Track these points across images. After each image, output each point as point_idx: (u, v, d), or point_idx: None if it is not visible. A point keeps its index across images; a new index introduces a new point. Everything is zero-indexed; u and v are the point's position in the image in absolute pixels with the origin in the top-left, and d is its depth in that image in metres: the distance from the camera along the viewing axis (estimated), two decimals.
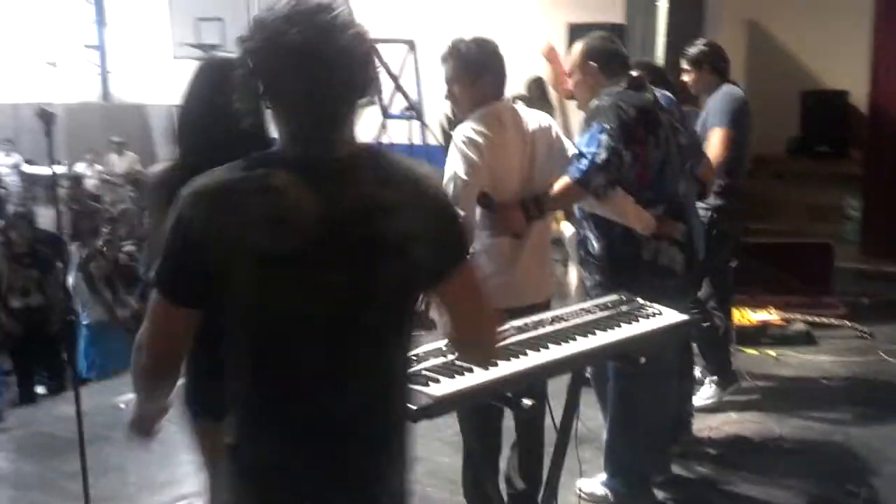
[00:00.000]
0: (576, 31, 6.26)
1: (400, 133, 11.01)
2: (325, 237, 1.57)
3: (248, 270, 1.55)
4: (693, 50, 4.69)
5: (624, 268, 3.34)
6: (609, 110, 3.24)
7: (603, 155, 3.17)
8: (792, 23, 8.22)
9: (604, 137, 3.19)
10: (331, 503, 1.66)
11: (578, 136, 3.36)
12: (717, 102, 4.52)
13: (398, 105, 10.99)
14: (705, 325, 4.55)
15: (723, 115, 4.44)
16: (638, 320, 2.50)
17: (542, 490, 2.69)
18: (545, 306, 3.07)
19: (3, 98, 17.17)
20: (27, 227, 6.99)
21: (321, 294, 1.58)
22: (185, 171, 1.94)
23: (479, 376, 2.10)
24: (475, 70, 3.11)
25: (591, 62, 3.40)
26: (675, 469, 3.96)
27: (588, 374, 3.42)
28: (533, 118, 3.23)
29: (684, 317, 2.60)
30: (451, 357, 2.17)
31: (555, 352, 2.26)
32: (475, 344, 1.87)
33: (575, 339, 2.34)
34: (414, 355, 2.15)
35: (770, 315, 5.94)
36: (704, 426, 4.41)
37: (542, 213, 3.18)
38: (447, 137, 3.20)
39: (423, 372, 2.11)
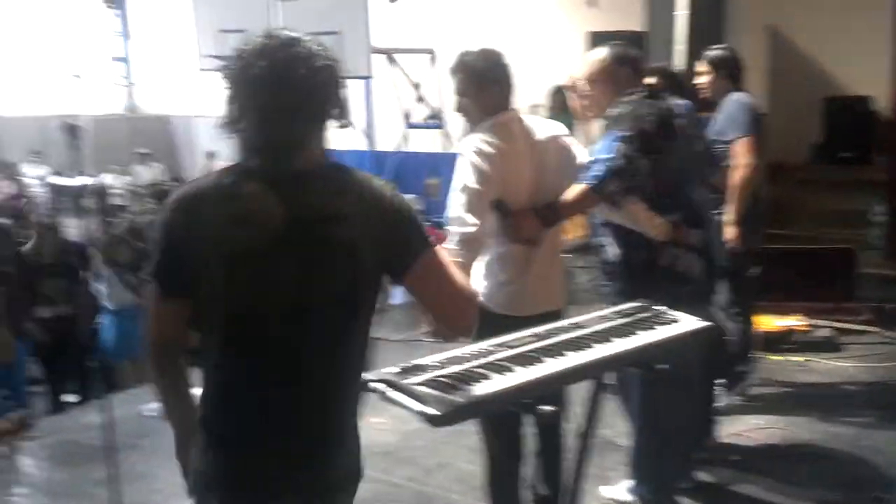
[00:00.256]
0: (596, 40, 6.27)
1: (422, 142, 11.07)
2: (281, 236, 1.82)
3: (216, 264, 1.82)
4: (713, 52, 4.70)
5: (641, 274, 3.35)
6: (627, 118, 3.26)
7: (619, 162, 3.18)
8: (814, 29, 8.19)
9: (621, 145, 3.20)
10: (287, 467, 1.90)
11: (597, 143, 3.38)
12: (733, 110, 4.51)
13: (420, 114, 11.06)
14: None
15: (743, 124, 4.45)
16: (657, 327, 2.50)
17: (565, 496, 2.70)
18: (558, 314, 3.08)
19: (30, 111, 17.39)
20: (54, 238, 7.07)
21: (277, 286, 1.84)
22: None
23: (499, 383, 2.12)
24: (481, 81, 3.13)
25: (625, 67, 3.41)
26: (700, 475, 3.97)
27: (612, 382, 3.43)
28: (543, 127, 3.25)
29: (704, 323, 2.59)
30: (471, 364, 2.20)
31: (573, 359, 2.27)
32: (453, 327, 2.10)
33: (593, 347, 2.34)
34: (434, 363, 2.20)
35: (794, 321, 5.92)
36: (729, 432, 4.41)
37: (556, 220, 3.21)
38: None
39: (444, 379, 2.12)
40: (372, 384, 2.16)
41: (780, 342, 5.72)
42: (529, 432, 3.32)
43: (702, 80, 4.67)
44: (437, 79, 10.59)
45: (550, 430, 3.28)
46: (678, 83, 4.26)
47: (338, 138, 2.01)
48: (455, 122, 9.20)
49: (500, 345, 2.33)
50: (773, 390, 4.92)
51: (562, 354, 2.27)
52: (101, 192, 8.90)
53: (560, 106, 7.37)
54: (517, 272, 3.15)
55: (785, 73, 8.21)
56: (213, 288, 1.84)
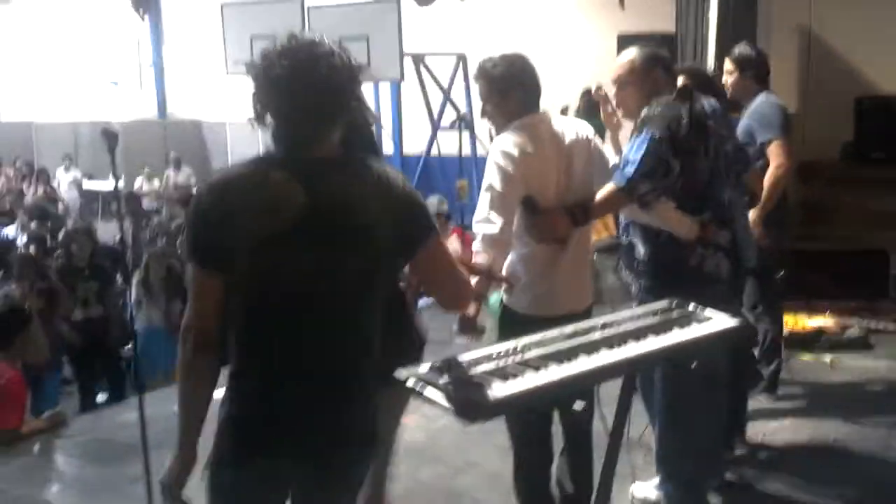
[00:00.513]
0: (626, 41, 6.27)
1: (451, 144, 11.08)
2: (301, 220, 1.98)
3: (243, 244, 1.97)
4: (742, 50, 4.64)
5: (669, 274, 3.34)
6: (658, 119, 3.24)
7: (649, 163, 3.17)
8: (846, 28, 8.11)
9: (651, 145, 3.19)
10: (303, 430, 2.06)
11: (627, 144, 3.38)
12: (766, 111, 4.47)
13: (449, 117, 11.08)
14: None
15: (777, 126, 4.41)
16: (690, 325, 2.50)
17: (595, 494, 2.70)
18: (585, 315, 3.08)
19: (63, 116, 17.64)
20: (87, 241, 7.17)
21: (297, 265, 1.99)
22: None
23: (532, 380, 2.13)
24: (503, 87, 3.14)
25: (657, 69, 3.40)
26: (730, 475, 3.95)
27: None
28: (570, 128, 3.24)
29: (737, 322, 2.59)
30: (503, 362, 2.21)
31: (606, 356, 2.27)
32: (451, 306, 2.36)
33: (627, 344, 2.35)
34: (467, 360, 2.22)
35: (825, 321, 5.87)
36: (759, 432, 4.39)
37: (586, 220, 3.20)
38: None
39: (477, 375, 2.13)
40: (405, 381, 2.18)
41: (810, 342, 5.69)
42: (557, 431, 3.33)
43: (727, 79, 4.62)
44: (466, 82, 10.61)
45: (579, 429, 3.28)
46: (709, 84, 4.24)
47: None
48: (483, 125, 9.23)
49: (532, 343, 2.34)
50: (803, 390, 4.88)
51: (596, 352, 2.27)
52: (133, 197, 8.99)
53: (589, 109, 7.36)
54: (543, 273, 3.15)
55: (817, 72, 8.13)
56: (240, 265, 1.99)
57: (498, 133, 3.19)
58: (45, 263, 7.09)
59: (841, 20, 8.11)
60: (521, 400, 2.13)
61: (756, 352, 4.74)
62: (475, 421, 2.06)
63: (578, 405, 2.21)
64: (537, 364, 2.20)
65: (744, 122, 4.47)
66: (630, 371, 2.45)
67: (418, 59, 10.80)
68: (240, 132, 14.57)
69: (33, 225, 9.69)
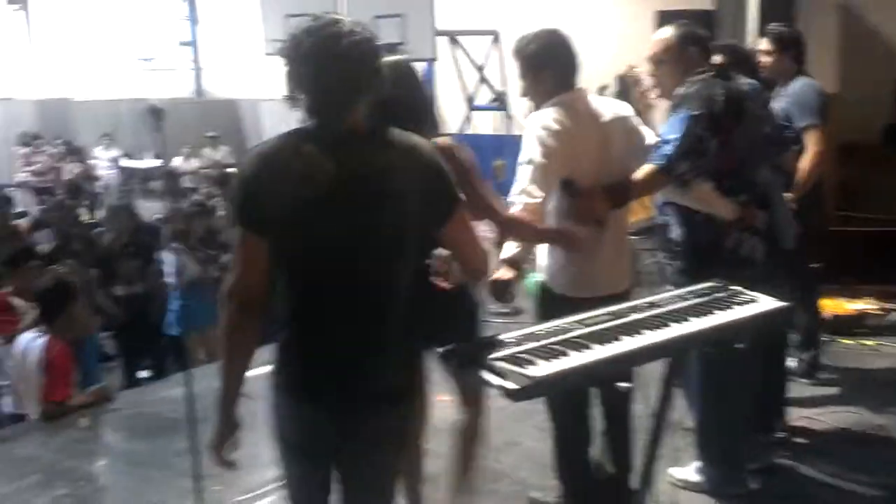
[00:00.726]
0: (664, 19, 6.21)
1: (486, 123, 11.06)
2: (330, 188, 2.11)
3: (284, 208, 2.12)
4: (781, 29, 4.58)
5: (704, 256, 3.34)
6: (695, 97, 3.23)
7: (688, 142, 3.16)
8: (886, 7, 7.98)
9: (689, 124, 3.17)
10: (343, 376, 2.21)
11: (662, 125, 3.37)
12: (806, 95, 4.41)
13: (484, 96, 11.05)
14: None
15: (815, 111, 4.36)
16: (733, 307, 2.51)
17: (639, 477, 2.72)
18: (624, 297, 3.06)
19: (101, 94, 17.80)
20: (129, 219, 7.29)
21: (332, 227, 2.14)
22: None
23: (575, 359, 2.16)
24: (536, 64, 3.14)
25: (692, 47, 3.38)
26: (771, 458, 3.94)
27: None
28: (608, 107, 3.23)
29: (780, 304, 2.59)
30: (548, 341, 2.24)
31: (650, 337, 2.29)
32: (474, 273, 2.47)
33: (670, 325, 2.36)
34: (511, 339, 2.25)
35: (867, 304, 5.82)
36: (801, 416, 4.38)
37: (625, 201, 3.19)
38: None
39: (520, 354, 2.17)
40: (450, 359, 2.22)
41: (852, 325, 5.65)
42: (597, 413, 3.35)
43: (765, 59, 4.54)
44: (501, 60, 10.57)
45: (620, 411, 3.30)
46: (746, 62, 4.21)
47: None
48: (519, 103, 9.19)
49: (575, 322, 2.37)
50: (845, 375, 4.85)
51: (639, 333, 2.30)
52: (172, 175, 9.09)
53: (625, 88, 7.31)
54: (582, 254, 3.14)
55: (856, 52, 8.00)
56: (282, 228, 2.15)
57: (536, 109, 3.20)
58: (89, 240, 7.21)
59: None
60: (565, 379, 2.16)
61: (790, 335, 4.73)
62: (520, 399, 2.10)
63: (626, 385, 2.22)
64: (581, 344, 2.23)
65: (782, 104, 4.42)
66: (676, 352, 2.47)
67: (452, 38, 10.77)
68: (275, 110, 14.64)
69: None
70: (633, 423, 3.29)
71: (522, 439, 4.21)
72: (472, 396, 3.15)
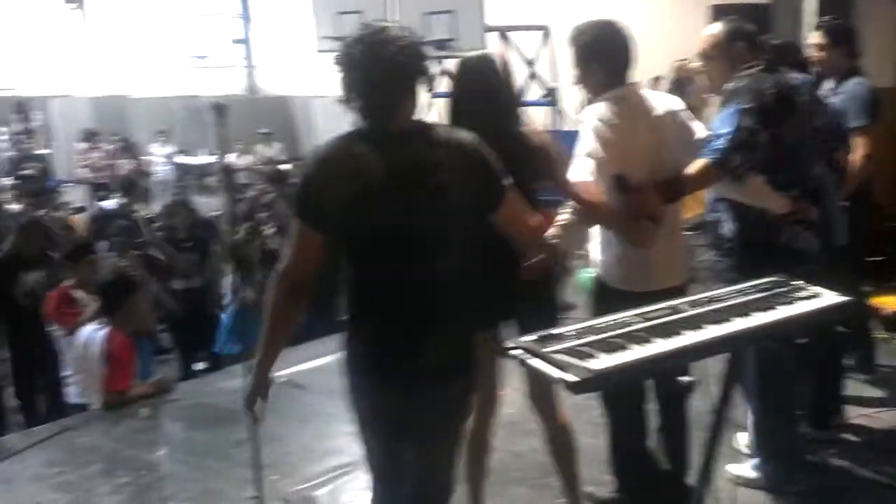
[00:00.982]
0: (719, 12, 6.15)
1: (536, 119, 11.01)
2: (380, 184, 2.32)
3: (343, 203, 2.33)
4: (834, 23, 4.48)
5: (757, 251, 3.31)
6: (745, 91, 3.21)
7: (741, 135, 3.14)
8: None
9: (741, 118, 3.16)
10: (405, 350, 2.43)
11: (714, 118, 3.35)
12: (858, 96, 4.29)
13: (534, 92, 11.01)
14: None
15: (866, 113, 4.26)
16: (796, 302, 2.48)
17: (698, 474, 2.70)
18: (680, 291, 3.06)
19: (156, 92, 18.07)
20: (187, 214, 7.39)
21: (387, 218, 2.35)
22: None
23: (638, 353, 2.16)
24: (591, 56, 3.13)
25: (740, 42, 3.37)
26: (828, 455, 3.91)
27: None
28: (661, 102, 3.23)
29: (844, 299, 2.56)
30: (608, 335, 2.24)
31: (712, 331, 2.29)
32: (531, 245, 2.70)
33: (732, 320, 2.35)
34: (571, 332, 2.26)
35: None
36: (859, 414, 4.32)
37: (679, 196, 3.19)
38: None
39: (581, 347, 2.17)
40: (511, 351, 2.24)
41: None
42: (652, 408, 3.34)
43: (817, 53, 4.43)
44: (552, 56, 10.52)
45: (677, 405, 3.29)
46: (798, 58, 4.16)
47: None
48: (569, 99, 9.15)
49: (635, 316, 2.37)
50: None
51: (700, 327, 2.29)
52: (228, 171, 9.19)
53: (679, 82, 7.26)
54: (638, 248, 3.12)
55: None
56: (340, 222, 2.36)
57: (589, 102, 3.20)
58: (152, 234, 7.33)
59: None
60: (626, 373, 2.16)
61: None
62: (581, 392, 2.10)
63: (685, 379, 2.22)
64: (642, 337, 2.23)
65: (836, 101, 4.35)
66: (738, 347, 2.45)
67: (503, 34, 10.75)
68: (327, 107, 14.75)
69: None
70: (690, 418, 3.27)
71: (576, 434, 4.20)
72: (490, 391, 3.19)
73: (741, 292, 2.56)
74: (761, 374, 3.48)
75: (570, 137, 3.18)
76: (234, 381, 5.12)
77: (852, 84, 4.35)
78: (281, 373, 4.88)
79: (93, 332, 5.02)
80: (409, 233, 2.38)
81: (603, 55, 3.13)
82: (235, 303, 6.75)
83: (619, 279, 3.20)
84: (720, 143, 3.15)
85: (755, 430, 3.65)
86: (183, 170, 15.58)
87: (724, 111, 3.23)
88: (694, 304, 2.46)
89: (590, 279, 3.37)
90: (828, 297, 2.53)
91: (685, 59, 3.54)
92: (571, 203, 3.08)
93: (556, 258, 3.05)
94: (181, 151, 15.72)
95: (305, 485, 4.01)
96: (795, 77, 3.42)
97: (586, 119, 3.10)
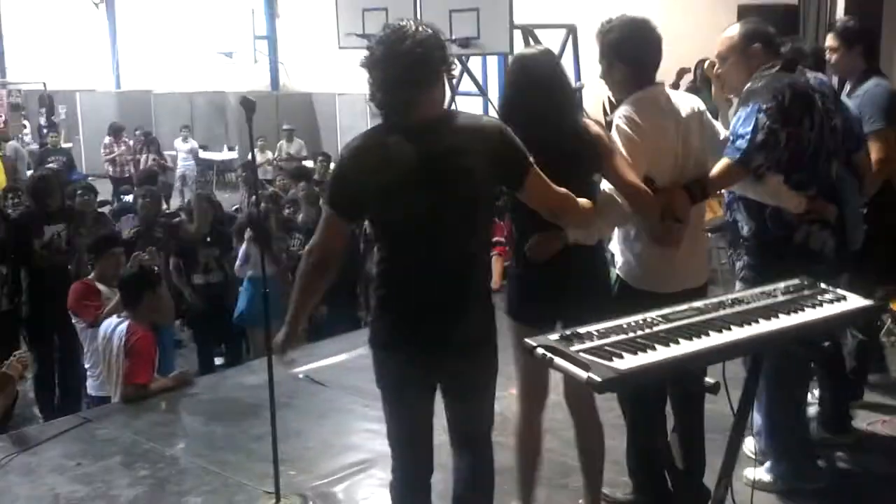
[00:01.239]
0: (746, 12, 6.11)
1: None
2: (410, 171, 2.52)
3: (369, 194, 2.57)
4: (848, 24, 4.38)
5: (774, 250, 3.32)
6: (765, 91, 3.22)
7: (761, 135, 3.15)
8: None
9: (761, 117, 3.17)
10: (432, 325, 2.63)
11: (732, 119, 3.34)
12: (877, 99, 4.19)
13: None
14: None
15: (884, 117, 4.16)
16: (821, 304, 2.46)
17: (717, 477, 2.68)
18: (701, 292, 3.06)
19: (180, 86, 18.19)
20: (209, 208, 7.38)
21: (418, 203, 2.54)
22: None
23: (663, 353, 2.14)
24: (617, 54, 3.11)
25: (756, 44, 3.35)
26: (845, 458, 3.91)
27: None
28: (685, 103, 3.22)
29: (868, 302, 2.53)
30: (633, 335, 2.22)
31: (737, 333, 2.26)
32: (564, 219, 2.83)
33: (757, 322, 2.32)
34: (596, 332, 2.24)
35: None
36: (877, 419, 4.30)
37: (706, 196, 3.20)
38: (609, 122, 3.24)
39: (606, 347, 2.16)
40: (536, 350, 2.22)
41: None
42: (669, 410, 3.32)
43: (832, 56, 4.34)
44: (577, 54, 10.48)
45: (692, 408, 3.28)
46: (817, 59, 4.11)
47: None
48: (592, 98, 9.08)
49: (659, 317, 2.34)
50: None
51: (726, 329, 2.27)
52: (250, 166, 9.22)
53: (703, 82, 7.19)
54: (660, 248, 3.12)
55: None
56: (378, 206, 2.61)
57: (616, 98, 3.19)
58: (174, 228, 7.34)
59: None
60: (651, 373, 2.14)
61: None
62: (605, 391, 2.09)
63: (710, 381, 2.19)
64: (667, 338, 2.21)
65: (853, 103, 4.26)
66: (763, 349, 2.43)
67: (528, 32, 10.72)
68: (349, 104, 14.79)
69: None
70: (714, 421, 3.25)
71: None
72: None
73: (766, 294, 2.53)
74: (775, 371, 3.45)
75: None
76: (253, 376, 5.14)
77: (869, 85, 4.28)
78: (300, 369, 4.94)
79: (114, 326, 5.04)
80: (435, 216, 2.56)
81: (628, 55, 3.11)
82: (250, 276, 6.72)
83: (642, 279, 3.19)
84: (742, 143, 3.16)
85: (766, 429, 3.63)
86: (205, 164, 15.65)
87: (742, 111, 3.24)
88: (719, 306, 2.43)
89: (613, 279, 3.35)
90: (853, 301, 2.50)
91: (712, 60, 3.49)
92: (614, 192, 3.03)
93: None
94: (202, 146, 15.79)
95: (323, 480, 4.02)
96: (814, 77, 3.40)
97: (618, 119, 3.10)
